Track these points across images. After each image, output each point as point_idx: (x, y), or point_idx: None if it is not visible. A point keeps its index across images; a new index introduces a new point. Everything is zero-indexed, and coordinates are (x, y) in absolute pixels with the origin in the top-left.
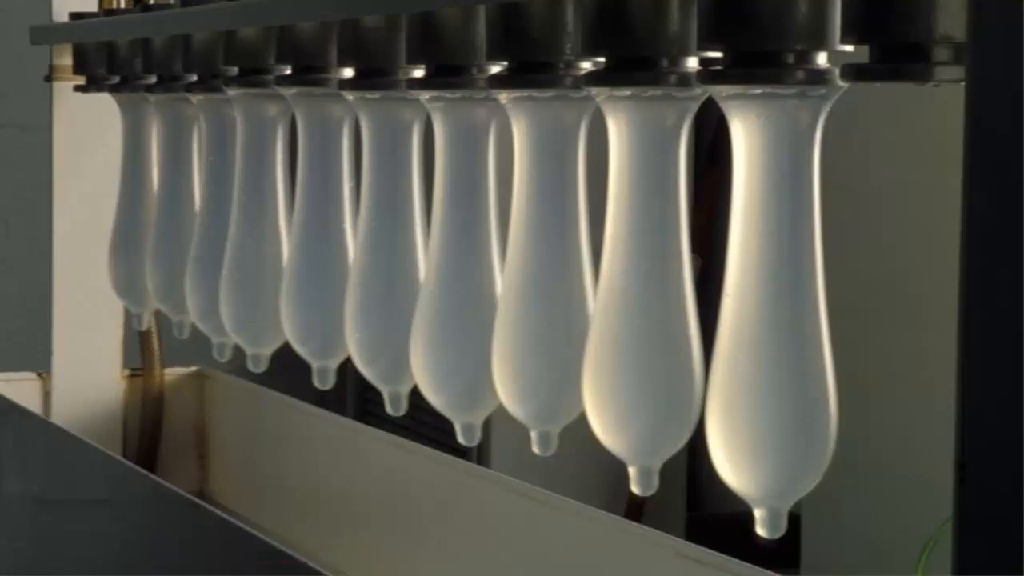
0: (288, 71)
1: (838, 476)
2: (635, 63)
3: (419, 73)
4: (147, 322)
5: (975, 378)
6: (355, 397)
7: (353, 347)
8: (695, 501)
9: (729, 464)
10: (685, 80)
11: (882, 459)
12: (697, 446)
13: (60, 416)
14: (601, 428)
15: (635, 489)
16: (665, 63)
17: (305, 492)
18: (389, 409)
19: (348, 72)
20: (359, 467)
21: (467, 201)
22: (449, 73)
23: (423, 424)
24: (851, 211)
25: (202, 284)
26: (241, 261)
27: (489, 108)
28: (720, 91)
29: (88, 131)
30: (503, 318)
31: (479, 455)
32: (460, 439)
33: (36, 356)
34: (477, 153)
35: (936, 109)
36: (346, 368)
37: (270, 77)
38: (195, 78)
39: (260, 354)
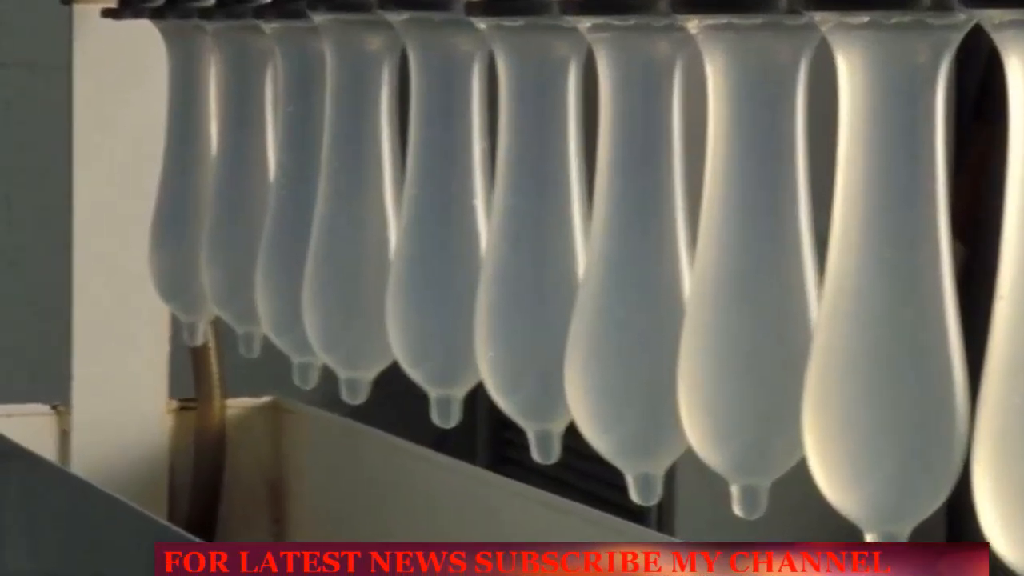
0: None
1: None
2: None
3: None
4: (203, 335)
5: None
6: (488, 438)
7: (487, 369)
8: None
9: (1011, 535)
10: (943, 1)
11: None
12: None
13: (83, 464)
14: (828, 482)
15: None
16: None
17: None
18: (536, 455)
19: None
20: (492, 532)
21: (644, 170)
22: None
23: (582, 475)
24: None
25: (278, 282)
26: (332, 251)
27: (673, 41)
28: (993, 16)
29: (121, 72)
30: (693, 331)
31: (660, 517)
32: (634, 496)
33: (49, 382)
34: (657, 102)
35: None
36: (476, 398)
37: None
38: (268, 0)
39: (358, 379)
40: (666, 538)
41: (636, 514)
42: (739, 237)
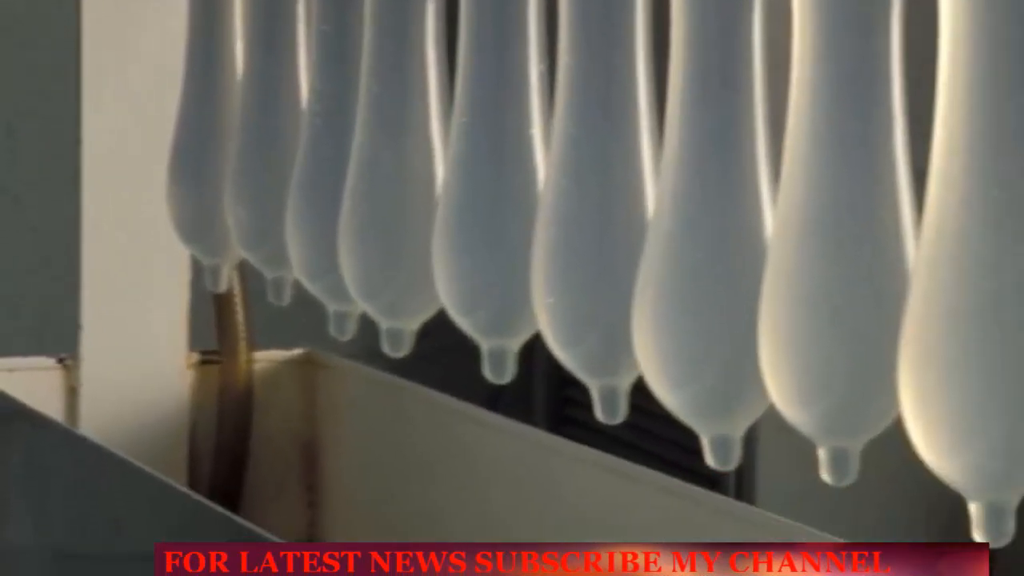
0: None
1: None
2: None
3: None
4: (227, 280)
5: None
6: (547, 395)
7: (545, 318)
8: None
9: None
10: None
11: None
12: None
13: (93, 424)
14: (927, 445)
15: (980, 536)
16: None
17: (470, 538)
18: (600, 414)
19: None
20: (552, 502)
21: (722, 96)
22: None
23: (652, 437)
24: None
25: (312, 221)
26: (372, 187)
27: None
28: None
29: None
30: (776, 277)
31: (738, 485)
32: (710, 460)
33: (55, 332)
34: (737, 17)
35: None
36: (533, 351)
37: None
38: None
39: (402, 329)
40: (745, 507)
41: (712, 481)
42: (827, 171)
